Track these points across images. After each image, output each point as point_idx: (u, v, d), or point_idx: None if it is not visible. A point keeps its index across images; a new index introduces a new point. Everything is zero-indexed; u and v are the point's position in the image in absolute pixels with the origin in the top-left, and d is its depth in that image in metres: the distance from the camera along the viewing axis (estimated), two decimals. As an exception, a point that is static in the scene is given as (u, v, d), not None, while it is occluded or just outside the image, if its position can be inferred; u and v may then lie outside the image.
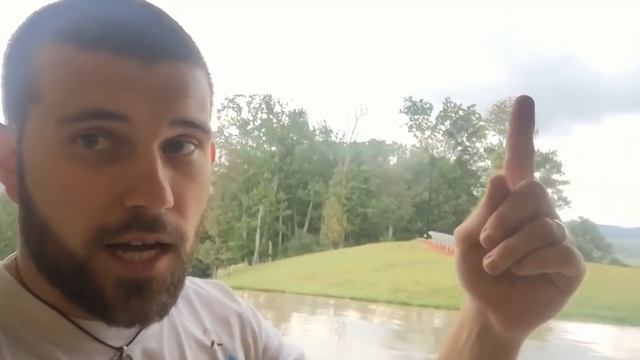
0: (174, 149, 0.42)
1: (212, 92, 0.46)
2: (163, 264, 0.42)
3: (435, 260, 19.75)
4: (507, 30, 74.79)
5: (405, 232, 42.07)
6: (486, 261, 0.39)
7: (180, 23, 0.45)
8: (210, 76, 0.46)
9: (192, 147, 0.43)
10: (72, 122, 0.39)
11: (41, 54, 0.41)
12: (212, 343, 0.55)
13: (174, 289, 0.43)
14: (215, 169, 50.92)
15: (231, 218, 42.09)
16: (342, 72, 78.45)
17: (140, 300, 0.41)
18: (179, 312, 0.54)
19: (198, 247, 0.47)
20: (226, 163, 47.24)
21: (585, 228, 49.10)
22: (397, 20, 79.45)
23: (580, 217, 51.90)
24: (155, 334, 0.50)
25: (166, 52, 0.41)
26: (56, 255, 0.41)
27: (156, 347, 0.49)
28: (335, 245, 37.58)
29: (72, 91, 0.39)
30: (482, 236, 0.39)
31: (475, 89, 66.37)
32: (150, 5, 0.44)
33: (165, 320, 0.47)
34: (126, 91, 0.39)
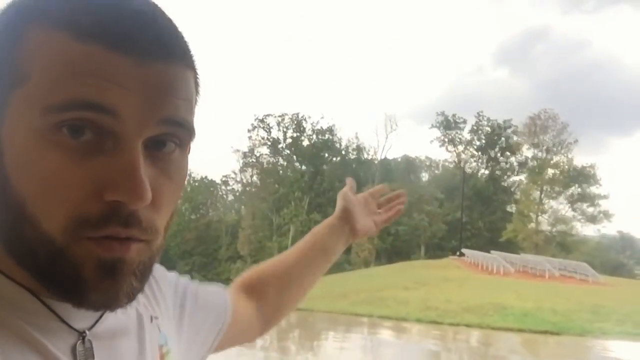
0: (156, 147, 0.43)
1: (197, 93, 0.47)
2: (135, 249, 0.43)
3: (467, 277, 19.45)
4: (527, 39, 73.57)
5: (438, 250, 41.51)
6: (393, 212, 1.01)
7: (174, 22, 0.45)
8: (198, 76, 0.47)
9: (174, 146, 0.44)
10: (59, 111, 0.39)
11: (32, 37, 0.40)
12: (151, 318, 0.57)
13: (141, 275, 0.45)
14: (247, 189, 51.90)
15: (262, 237, 42.43)
16: (371, 87, 78.90)
17: (113, 280, 0.42)
18: None
19: (164, 243, 0.48)
20: (257, 182, 47.89)
21: (624, 243, 47.54)
22: (423, 36, 79.66)
23: (619, 232, 50.38)
24: (114, 317, 0.51)
25: (161, 51, 0.42)
26: (32, 238, 0.41)
27: (115, 330, 0.51)
28: (367, 264, 37.33)
29: (62, 80, 0.39)
30: (396, 209, 1.01)
31: (500, 102, 65.39)
32: (148, 2, 0.44)
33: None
34: (118, 86, 0.40)
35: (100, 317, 0.49)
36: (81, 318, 0.47)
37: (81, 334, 0.46)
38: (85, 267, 0.41)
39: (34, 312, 0.44)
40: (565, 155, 43.00)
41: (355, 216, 0.95)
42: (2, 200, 0.42)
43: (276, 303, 0.87)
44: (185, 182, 0.49)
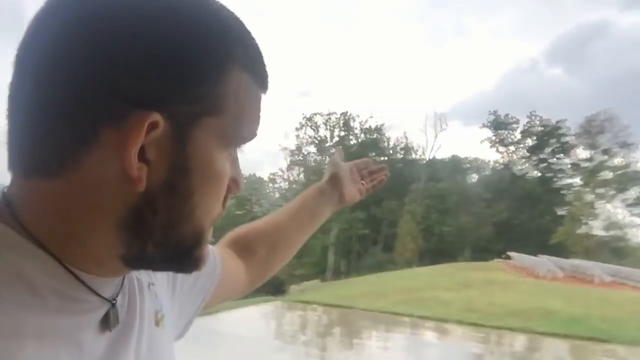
0: None
1: None
2: None
3: (512, 281, 19.00)
4: (584, 36, 70.26)
5: (484, 252, 40.56)
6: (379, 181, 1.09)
7: None
8: None
9: None
10: (245, 141, 0.52)
11: (235, 77, 0.48)
12: (149, 285, 0.61)
13: None
14: (293, 186, 52.23)
15: (305, 234, 42.65)
16: (422, 86, 77.83)
17: (207, 250, 0.54)
18: None
19: None
20: (303, 180, 48.26)
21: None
22: (475, 37, 77.94)
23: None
24: (123, 284, 0.55)
25: None
26: (188, 232, 0.49)
27: (129, 296, 0.56)
28: (410, 264, 36.94)
29: (254, 119, 0.51)
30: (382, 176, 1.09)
31: (554, 101, 62.93)
32: None
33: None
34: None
35: (122, 285, 0.54)
36: (107, 288, 0.51)
37: (111, 302, 0.51)
38: (205, 248, 0.52)
39: (64, 282, 0.46)
40: (625, 157, 41.18)
41: (343, 182, 1.00)
42: (177, 206, 0.47)
43: (265, 262, 0.90)
44: None
